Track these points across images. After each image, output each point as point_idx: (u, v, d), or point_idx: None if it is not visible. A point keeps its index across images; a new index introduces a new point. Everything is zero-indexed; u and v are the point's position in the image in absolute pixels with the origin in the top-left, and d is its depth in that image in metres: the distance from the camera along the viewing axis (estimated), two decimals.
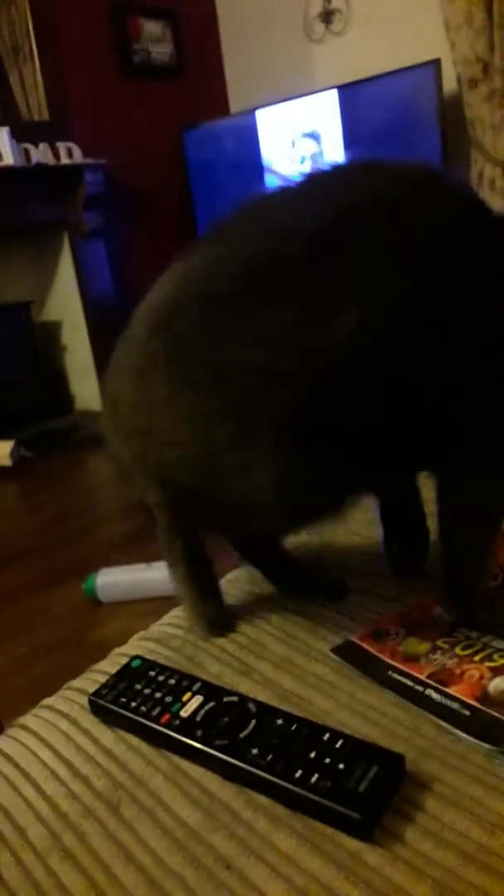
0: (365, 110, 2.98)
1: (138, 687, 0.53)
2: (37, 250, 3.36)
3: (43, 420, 3.21)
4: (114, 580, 1.63)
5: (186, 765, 0.47)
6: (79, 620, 1.58)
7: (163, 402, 0.53)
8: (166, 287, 0.55)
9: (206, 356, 0.51)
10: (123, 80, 3.36)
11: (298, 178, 0.54)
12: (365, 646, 0.55)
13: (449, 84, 2.76)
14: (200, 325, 0.51)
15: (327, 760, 0.43)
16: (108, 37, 3.28)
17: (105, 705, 0.52)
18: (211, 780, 0.46)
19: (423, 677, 0.50)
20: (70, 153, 3.06)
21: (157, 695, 0.51)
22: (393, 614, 0.59)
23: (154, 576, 1.54)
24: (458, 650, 0.52)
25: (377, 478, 0.59)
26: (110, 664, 0.59)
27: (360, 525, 0.74)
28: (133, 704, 0.51)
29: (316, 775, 0.42)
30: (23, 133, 2.94)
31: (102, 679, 0.55)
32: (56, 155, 3.03)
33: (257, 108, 3.23)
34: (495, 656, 0.50)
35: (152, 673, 0.54)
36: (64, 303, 3.35)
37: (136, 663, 0.55)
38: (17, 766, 0.51)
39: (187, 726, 0.48)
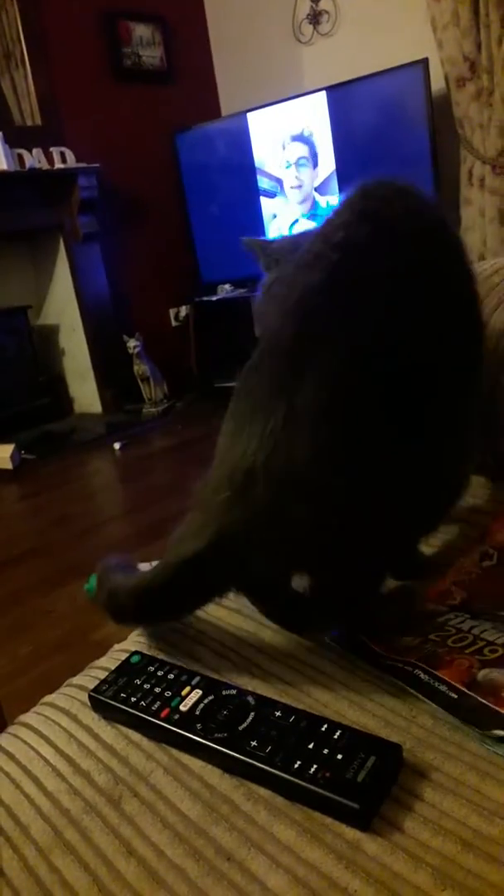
0: (354, 110, 2.99)
1: (138, 682, 0.53)
2: (33, 255, 3.37)
3: (43, 423, 3.22)
4: None
5: (186, 758, 0.48)
6: (82, 620, 1.59)
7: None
8: None
9: None
10: (115, 85, 3.37)
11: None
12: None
13: (437, 83, 2.77)
14: None
15: (326, 751, 0.43)
16: (99, 41, 3.29)
17: (105, 701, 0.52)
18: (211, 773, 0.46)
19: (412, 660, 0.50)
20: (63, 158, 3.07)
21: (157, 689, 0.52)
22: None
23: None
24: (449, 642, 0.51)
25: None
26: (110, 660, 0.60)
27: None
28: (133, 699, 0.51)
29: (315, 766, 0.42)
30: (16, 138, 2.95)
31: (102, 675, 0.55)
32: (50, 160, 3.04)
33: (248, 110, 3.24)
34: (486, 651, 0.50)
35: (151, 668, 0.54)
36: (61, 306, 3.36)
37: (135, 659, 0.56)
38: (18, 762, 0.51)
39: (187, 720, 0.48)
